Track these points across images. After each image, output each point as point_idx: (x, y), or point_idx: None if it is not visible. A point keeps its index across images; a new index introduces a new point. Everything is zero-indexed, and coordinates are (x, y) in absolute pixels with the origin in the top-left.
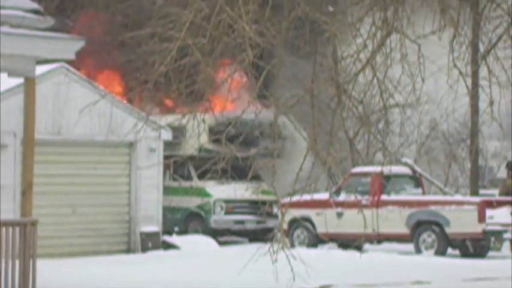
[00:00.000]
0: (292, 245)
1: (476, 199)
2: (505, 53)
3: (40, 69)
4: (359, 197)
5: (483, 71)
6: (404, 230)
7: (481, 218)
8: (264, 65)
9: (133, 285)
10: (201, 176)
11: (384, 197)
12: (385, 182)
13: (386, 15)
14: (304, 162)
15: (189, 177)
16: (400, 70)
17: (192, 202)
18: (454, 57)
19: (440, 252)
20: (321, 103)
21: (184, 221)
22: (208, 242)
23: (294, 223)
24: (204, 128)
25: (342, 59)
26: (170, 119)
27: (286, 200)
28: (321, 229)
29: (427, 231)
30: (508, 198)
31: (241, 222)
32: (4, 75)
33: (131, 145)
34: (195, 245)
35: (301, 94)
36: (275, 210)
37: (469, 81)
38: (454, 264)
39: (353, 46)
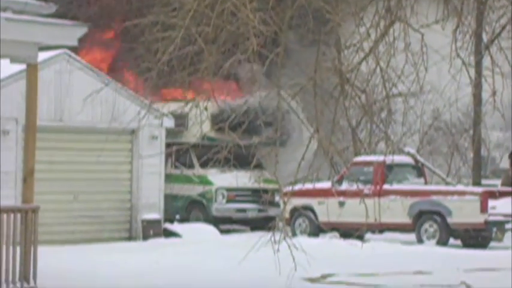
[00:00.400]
0: (294, 234)
1: (479, 189)
2: (508, 43)
3: (42, 56)
4: (361, 187)
5: (486, 61)
6: (406, 219)
7: (483, 209)
8: (267, 54)
9: (135, 272)
10: (203, 164)
11: (386, 186)
12: (387, 171)
13: (389, 5)
14: (307, 151)
15: (191, 165)
16: (403, 59)
17: (193, 190)
18: (457, 47)
19: (442, 242)
20: (323, 92)
21: (186, 208)
22: (209, 230)
23: (296, 212)
24: (206, 116)
25: (345, 48)
26: (173, 106)
27: (288, 188)
28: (322, 218)
29: (429, 221)
30: (510, 189)
31: (243, 210)
32: (6, 61)
33: (133, 132)
34: (196, 233)
35: (304, 83)
36: (277, 198)
37: (472, 71)
38: (456, 254)
39: (356, 35)
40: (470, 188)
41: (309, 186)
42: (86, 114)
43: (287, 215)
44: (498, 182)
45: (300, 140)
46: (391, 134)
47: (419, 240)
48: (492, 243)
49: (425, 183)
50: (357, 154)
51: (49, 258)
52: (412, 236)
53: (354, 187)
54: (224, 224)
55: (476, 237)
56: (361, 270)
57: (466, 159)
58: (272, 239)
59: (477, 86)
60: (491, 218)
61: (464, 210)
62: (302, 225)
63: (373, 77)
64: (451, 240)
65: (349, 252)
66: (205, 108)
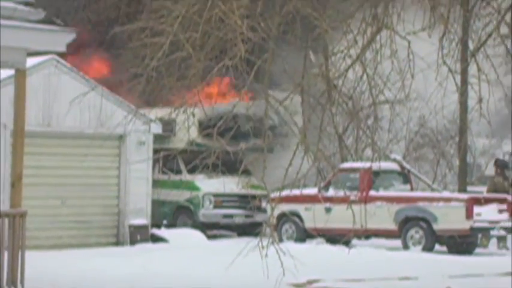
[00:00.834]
0: (281, 240)
1: (464, 196)
2: (495, 51)
3: (30, 61)
4: (347, 193)
5: (472, 69)
6: (392, 225)
7: (469, 215)
8: (255, 60)
9: (122, 277)
10: (190, 170)
11: (372, 192)
12: (373, 177)
13: (376, 12)
14: (294, 157)
15: (178, 171)
16: (389, 66)
17: (181, 195)
18: (444, 54)
19: (428, 248)
20: (311, 98)
21: (173, 214)
22: (196, 235)
23: (283, 218)
24: (193, 122)
25: (332, 54)
26: (160, 112)
27: (275, 194)
28: (309, 224)
29: (414, 227)
30: (496, 196)
31: (230, 216)
32: None
33: (121, 138)
34: (183, 239)
35: (291, 89)
36: (264, 204)
37: (458, 78)
38: (441, 260)
39: (343, 42)
40: (456, 195)
41: (295, 192)
42: (73, 120)
43: (274, 221)
44: (484, 188)
45: (287, 146)
46: (377, 140)
47: (405, 247)
48: (477, 250)
49: (411, 189)
50: (343, 160)
51: (36, 263)
52: (398, 242)
53: (341, 193)
54: (211, 229)
55: (462, 243)
56: (347, 276)
57: (451, 166)
58: (260, 244)
59: (463, 94)
60: (477, 225)
61: (449, 217)
62: (289, 230)
63: (360, 83)
64: (437, 247)
65: (335, 258)
66: (193, 114)
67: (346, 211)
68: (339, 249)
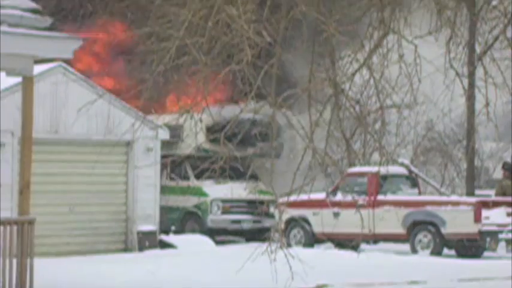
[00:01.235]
0: (289, 245)
1: (472, 199)
2: (501, 54)
3: (38, 69)
4: (356, 197)
5: (479, 72)
6: (400, 230)
7: (477, 219)
8: (262, 65)
9: (131, 284)
10: (198, 176)
11: (380, 197)
12: (381, 182)
13: (383, 16)
14: (302, 161)
15: (186, 177)
16: (396, 70)
17: (189, 201)
18: (451, 58)
19: (436, 252)
20: (318, 103)
21: (181, 220)
22: (205, 241)
23: (291, 223)
24: (201, 128)
25: (339, 58)
26: (167, 118)
27: (284, 199)
28: (317, 229)
29: (423, 231)
30: (504, 199)
31: (238, 221)
32: (2, 74)
33: (128, 144)
34: (191, 244)
35: (299, 93)
36: (272, 209)
37: (466, 81)
38: (450, 264)
39: (350, 46)
40: (464, 198)
41: (303, 197)
42: (81, 127)
43: (282, 226)
44: (491, 192)
45: (294, 151)
46: (385, 144)
47: (414, 251)
48: (486, 253)
49: (419, 193)
50: (351, 165)
51: (45, 270)
52: (406, 247)
53: (349, 198)
54: (219, 235)
55: (470, 247)
56: (356, 281)
57: (459, 169)
58: (268, 249)
59: (470, 97)
60: (485, 228)
61: (458, 221)
62: (297, 236)
63: (367, 88)
64: (445, 250)
65: (344, 262)
66: (200, 120)
67: (354, 215)
68: (347, 254)
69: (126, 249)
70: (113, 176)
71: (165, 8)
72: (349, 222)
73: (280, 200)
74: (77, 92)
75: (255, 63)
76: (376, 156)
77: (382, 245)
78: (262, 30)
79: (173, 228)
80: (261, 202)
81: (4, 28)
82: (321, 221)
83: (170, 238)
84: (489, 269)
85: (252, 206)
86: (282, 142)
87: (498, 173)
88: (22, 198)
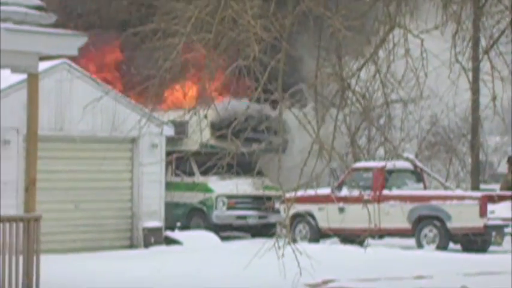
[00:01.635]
0: (294, 240)
1: (478, 194)
2: (507, 48)
3: (42, 66)
4: (361, 192)
5: (485, 66)
6: (405, 224)
7: (483, 213)
8: (268, 60)
9: (137, 280)
10: (203, 172)
11: (385, 192)
12: (386, 177)
13: (389, 10)
14: (309, 157)
15: (191, 173)
16: (402, 65)
17: (194, 198)
18: (456, 52)
19: (442, 247)
20: (324, 98)
21: (187, 216)
22: (210, 237)
23: (296, 218)
24: (206, 124)
25: (345, 54)
26: (173, 115)
27: (290, 195)
28: (322, 224)
29: (428, 226)
30: (509, 193)
31: (243, 217)
32: (6, 71)
33: (133, 141)
34: (197, 241)
35: (305, 89)
36: (277, 205)
37: (471, 76)
38: (456, 258)
39: (356, 41)
40: (469, 193)
41: (309, 192)
42: (86, 123)
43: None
44: (496, 186)
45: (299, 146)
46: (389, 139)
47: (419, 245)
48: (491, 247)
49: (425, 188)
50: (356, 160)
51: (51, 267)
52: (411, 241)
53: (354, 193)
54: (225, 231)
55: (476, 241)
56: (361, 275)
57: (464, 164)
58: (276, 244)
59: (475, 91)
60: (491, 222)
61: (463, 215)
62: (302, 231)
63: (373, 82)
64: (451, 245)
65: (349, 257)
66: (205, 116)
67: (360, 210)
68: (353, 249)
69: (132, 246)
70: (118, 172)
71: (171, 4)
72: (354, 217)
73: (287, 196)
74: (81, 89)
75: (262, 58)
76: (381, 151)
77: (387, 240)
78: (268, 25)
79: (178, 224)
80: (267, 198)
81: (9, 25)
82: (327, 216)
83: (175, 234)
84: (495, 263)
85: (257, 201)
86: (286, 138)
87: (503, 167)
88: (28, 196)
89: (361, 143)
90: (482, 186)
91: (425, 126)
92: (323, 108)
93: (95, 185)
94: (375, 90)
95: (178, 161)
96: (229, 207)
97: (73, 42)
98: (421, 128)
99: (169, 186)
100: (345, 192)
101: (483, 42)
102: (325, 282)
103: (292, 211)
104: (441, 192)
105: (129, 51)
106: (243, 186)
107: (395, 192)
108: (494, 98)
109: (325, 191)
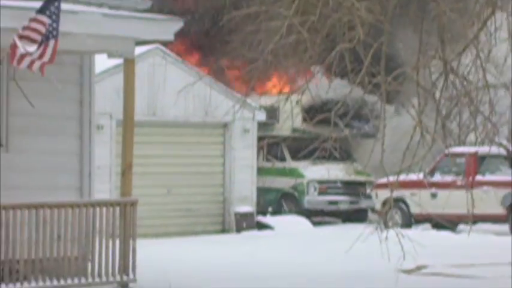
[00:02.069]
0: (386, 226)
1: None
2: None
3: (136, 51)
4: (453, 178)
5: None
6: (499, 210)
7: None
8: (372, 43)
9: (230, 265)
10: (294, 157)
11: (478, 177)
12: (479, 162)
13: None
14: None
15: (282, 158)
16: (503, 49)
17: (285, 183)
18: None
19: None
20: (426, 82)
21: (278, 201)
22: (302, 222)
23: (388, 203)
24: (300, 109)
25: (448, 37)
26: (265, 100)
27: (387, 180)
28: (415, 209)
29: None
30: None
31: (335, 202)
32: (98, 57)
33: (225, 126)
34: (289, 226)
35: (407, 71)
36: (368, 190)
37: None
38: None
39: (459, 24)
40: None
41: (401, 177)
42: (179, 109)
43: (378, 207)
44: None
45: (389, 130)
46: (480, 124)
47: None
48: None
49: None
50: (447, 146)
51: (145, 251)
52: (505, 227)
53: (447, 178)
54: (316, 216)
55: None
56: (455, 261)
57: None
58: (378, 229)
59: None
60: None
61: None
62: (394, 216)
63: (473, 66)
64: None
65: (442, 243)
66: (297, 102)
67: (452, 196)
68: (445, 235)
69: (224, 231)
70: (210, 157)
71: None
72: (447, 202)
73: (380, 181)
74: (174, 74)
75: (365, 41)
76: (471, 136)
77: (480, 226)
78: (372, 7)
79: (270, 209)
80: (359, 183)
81: (104, 10)
82: (419, 202)
83: (267, 219)
84: None
85: (348, 187)
86: (377, 123)
87: None
88: (124, 180)
89: (452, 128)
90: None
91: None
92: (425, 92)
93: (187, 170)
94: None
95: (270, 146)
96: (321, 193)
97: (169, 27)
98: None
99: (260, 171)
100: (437, 177)
101: None
102: (419, 267)
103: (383, 197)
104: None
105: (220, 37)
106: (334, 171)
107: (488, 177)
108: None
109: (417, 176)
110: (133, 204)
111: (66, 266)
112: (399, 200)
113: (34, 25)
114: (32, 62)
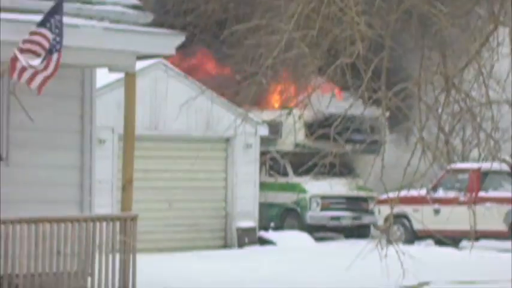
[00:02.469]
0: (389, 242)
1: None
2: None
3: (138, 65)
4: (456, 194)
5: None
6: (502, 227)
7: None
8: (372, 58)
9: (232, 280)
10: (296, 172)
11: (481, 193)
12: (482, 178)
13: (493, 9)
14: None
15: (285, 173)
16: (505, 65)
17: (288, 198)
18: None
19: None
20: (427, 97)
21: (280, 216)
22: (304, 237)
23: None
24: (302, 124)
25: (450, 52)
26: (267, 115)
27: (387, 196)
28: (417, 226)
29: None
30: None
31: (337, 218)
32: (100, 71)
33: (228, 141)
34: (291, 241)
35: (408, 87)
36: (371, 206)
37: None
38: None
39: (460, 39)
40: None
41: (404, 193)
42: (181, 123)
43: (381, 223)
44: None
45: (390, 146)
46: (483, 141)
47: None
48: None
49: None
50: (450, 161)
51: (146, 266)
52: (508, 244)
53: (450, 194)
54: (318, 231)
55: None
56: (457, 278)
57: None
58: (378, 245)
59: None
60: None
61: None
62: (397, 232)
63: (475, 82)
64: None
65: (445, 259)
66: (299, 117)
67: (455, 212)
68: (448, 251)
69: (226, 246)
70: (212, 172)
71: (274, 1)
72: (450, 218)
73: (382, 197)
74: (176, 89)
75: (366, 56)
76: (474, 152)
77: (483, 242)
78: (372, 22)
79: (272, 224)
80: (362, 199)
81: (106, 24)
82: (422, 218)
83: (269, 234)
84: None
85: (351, 202)
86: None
87: None
88: (125, 195)
89: (455, 144)
90: None
91: None
92: (427, 108)
93: (188, 185)
94: (474, 89)
95: (272, 161)
96: (323, 208)
97: (171, 41)
98: None
99: (263, 186)
100: (440, 193)
101: None
102: (421, 284)
103: (386, 213)
104: None
105: (222, 51)
106: (336, 186)
107: (491, 193)
108: None
109: (420, 192)
110: (134, 219)
111: (66, 281)
112: (402, 216)
113: (35, 38)
114: (33, 76)
